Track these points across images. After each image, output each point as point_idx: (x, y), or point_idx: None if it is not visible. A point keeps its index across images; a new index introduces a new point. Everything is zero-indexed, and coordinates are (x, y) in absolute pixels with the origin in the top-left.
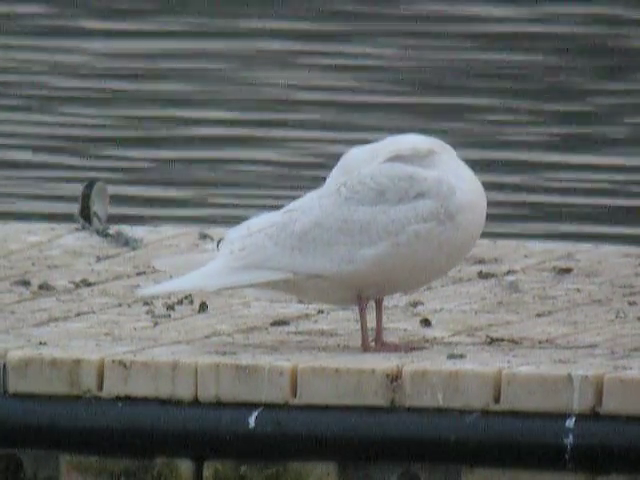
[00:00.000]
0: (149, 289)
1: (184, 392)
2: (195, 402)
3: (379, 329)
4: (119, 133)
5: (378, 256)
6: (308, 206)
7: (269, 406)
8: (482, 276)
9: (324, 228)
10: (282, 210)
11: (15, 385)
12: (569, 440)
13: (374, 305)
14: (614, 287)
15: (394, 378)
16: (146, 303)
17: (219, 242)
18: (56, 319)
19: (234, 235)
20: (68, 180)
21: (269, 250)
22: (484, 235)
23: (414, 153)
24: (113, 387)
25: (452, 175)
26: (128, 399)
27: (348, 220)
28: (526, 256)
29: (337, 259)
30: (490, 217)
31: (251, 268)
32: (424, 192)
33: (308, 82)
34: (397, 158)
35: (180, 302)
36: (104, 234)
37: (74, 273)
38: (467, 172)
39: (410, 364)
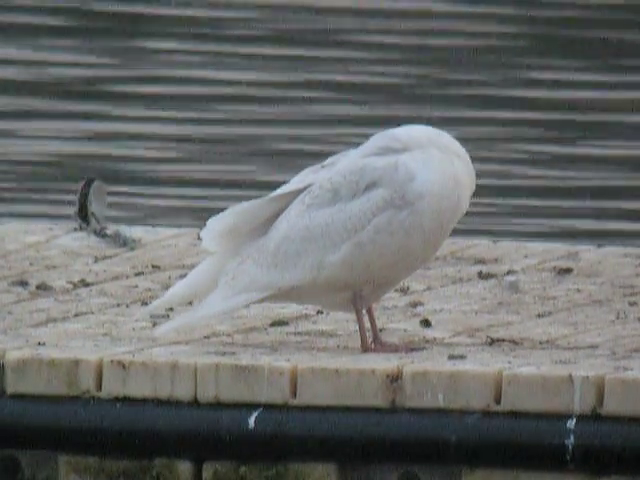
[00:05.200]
0: (161, 329)
1: (183, 393)
2: (194, 403)
3: (375, 330)
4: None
5: (345, 259)
6: (280, 221)
7: (269, 407)
8: (482, 276)
9: (291, 240)
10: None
11: (13, 386)
12: (570, 441)
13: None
14: (615, 287)
15: (394, 379)
16: (145, 303)
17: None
18: (54, 319)
19: (229, 266)
20: (66, 179)
21: (252, 273)
22: (484, 235)
23: (391, 145)
24: (112, 387)
25: (419, 161)
26: (127, 399)
27: (310, 227)
28: (526, 256)
29: (308, 268)
30: (493, 216)
31: (241, 292)
32: (375, 181)
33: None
34: (386, 151)
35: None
36: (102, 234)
37: (72, 273)
38: (444, 160)
39: (410, 365)
